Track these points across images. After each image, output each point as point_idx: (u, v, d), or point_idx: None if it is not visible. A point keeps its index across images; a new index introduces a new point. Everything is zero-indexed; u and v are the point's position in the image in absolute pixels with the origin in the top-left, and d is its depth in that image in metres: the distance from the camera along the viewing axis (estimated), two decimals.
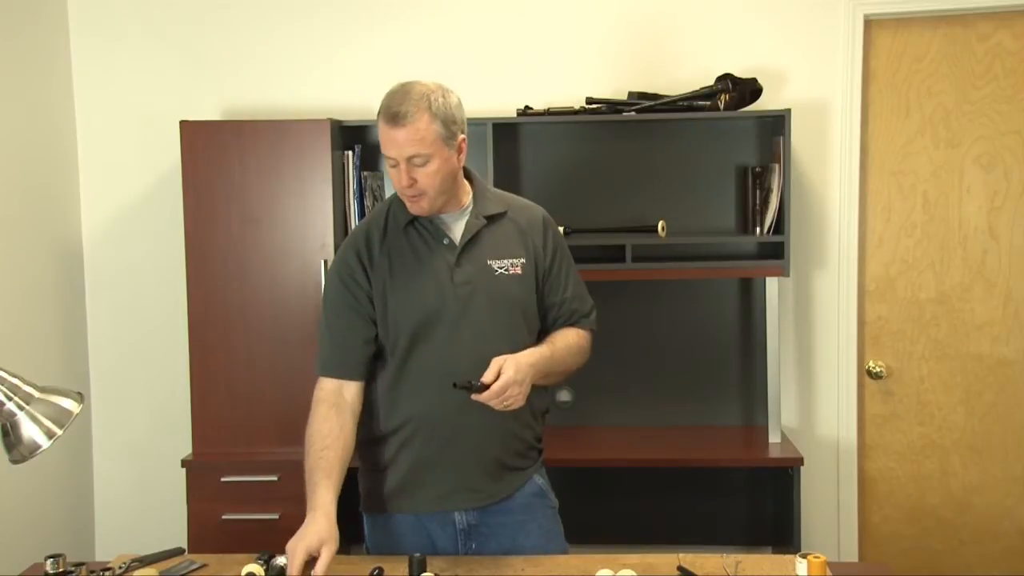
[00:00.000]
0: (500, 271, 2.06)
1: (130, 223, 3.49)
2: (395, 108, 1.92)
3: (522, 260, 2.09)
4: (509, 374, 1.89)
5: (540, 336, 2.14)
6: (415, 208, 2.02)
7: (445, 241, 2.06)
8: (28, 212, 3.22)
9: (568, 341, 2.13)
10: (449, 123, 1.96)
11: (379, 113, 1.96)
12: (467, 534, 2.10)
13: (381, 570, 1.95)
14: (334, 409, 2.05)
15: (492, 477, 2.07)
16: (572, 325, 2.17)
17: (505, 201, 2.15)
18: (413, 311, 2.03)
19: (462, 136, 2.01)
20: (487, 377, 1.89)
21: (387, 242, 2.08)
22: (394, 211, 2.10)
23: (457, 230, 2.08)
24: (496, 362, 1.91)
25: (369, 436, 2.13)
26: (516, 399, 1.92)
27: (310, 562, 1.86)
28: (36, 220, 3.27)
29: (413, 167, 1.94)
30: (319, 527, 1.89)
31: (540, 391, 2.13)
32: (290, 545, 1.88)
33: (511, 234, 2.10)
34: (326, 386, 2.08)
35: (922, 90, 3.28)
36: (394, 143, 1.93)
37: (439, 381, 1.99)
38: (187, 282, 3.07)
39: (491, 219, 2.09)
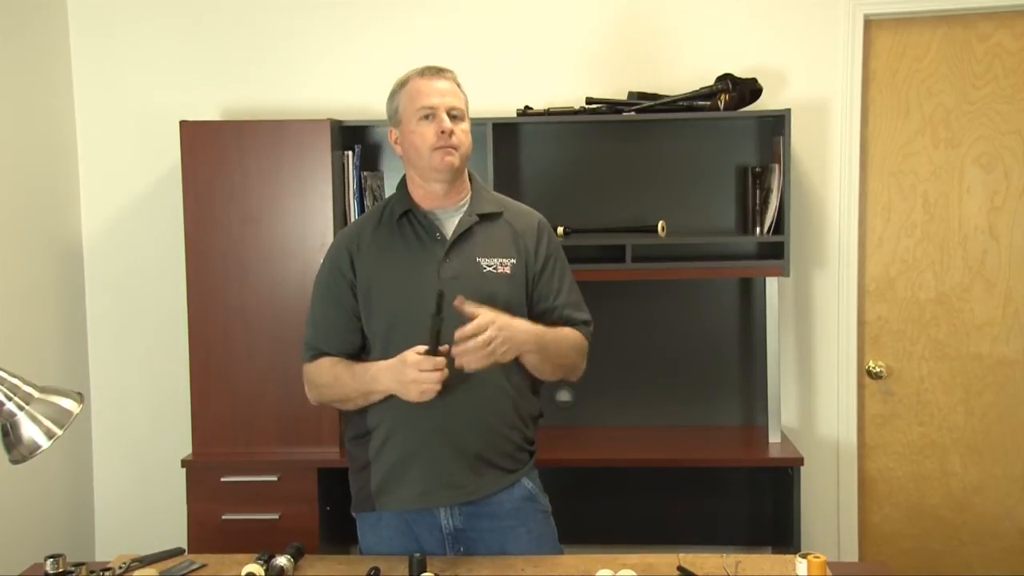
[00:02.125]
0: (488, 269, 2.06)
1: (130, 223, 3.49)
2: (435, 66, 2.08)
3: (512, 261, 2.09)
4: (490, 316, 1.89)
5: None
6: (446, 162, 2.04)
7: (437, 236, 2.07)
8: (28, 212, 3.22)
9: (563, 332, 2.11)
10: (466, 97, 2.11)
11: (406, 79, 2.09)
12: (454, 538, 2.09)
13: (378, 570, 1.95)
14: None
15: (474, 471, 2.06)
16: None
17: (502, 204, 2.17)
18: (397, 301, 2.05)
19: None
20: (467, 330, 1.88)
21: (379, 233, 2.11)
22: (392, 204, 2.14)
23: (450, 226, 2.09)
24: (485, 315, 1.90)
25: (354, 432, 2.15)
26: (491, 354, 1.89)
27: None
28: (36, 220, 3.27)
29: (452, 120, 2.04)
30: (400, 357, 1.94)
31: (531, 396, 2.14)
32: (409, 376, 1.91)
33: (504, 235, 2.11)
34: None
35: (922, 90, 3.28)
36: (436, 91, 2.05)
37: None
38: (187, 282, 3.07)
39: (485, 218, 2.11)
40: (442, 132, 2.01)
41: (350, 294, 2.09)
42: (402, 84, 2.09)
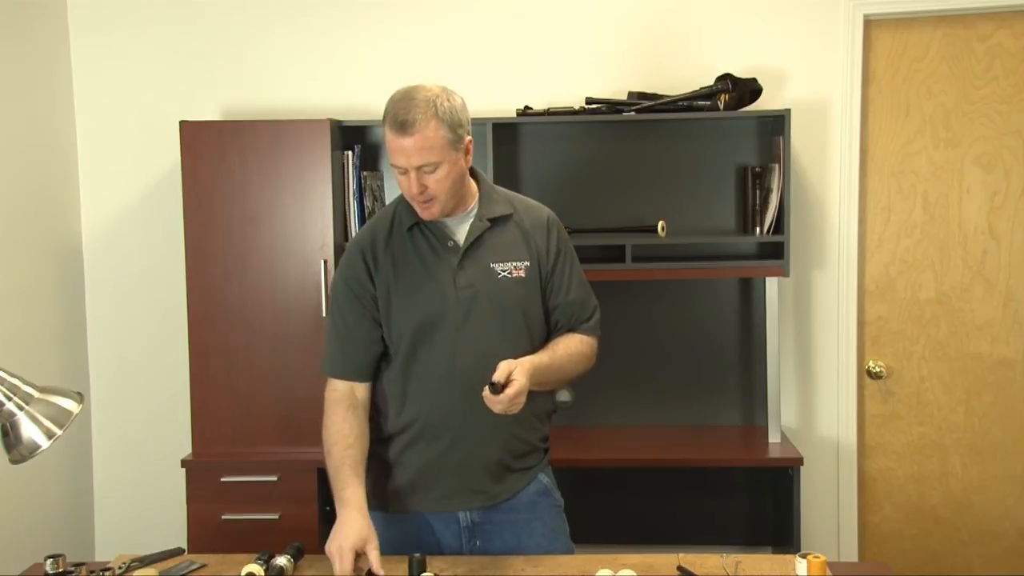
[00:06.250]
0: (503, 274, 2.06)
1: (130, 223, 3.49)
2: (402, 116, 1.91)
3: (526, 263, 2.08)
4: (521, 382, 1.88)
5: (546, 340, 2.14)
6: (427, 214, 2.02)
7: (449, 244, 2.06)
8: (28, 213, 3.22)
9: (570, 348, 2.12)
10: (456, 127, 1.95)
11: (384, 121, 1.96)
12: (471, 532, 2.11)
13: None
14: (351, 410, 2.07)
15: (496, 479, 2.08)
16: (572, 330, 2.16)
17: (511, 202, 2.15)
18: (415, 314, 2.04)
19: (468, 138, 2.01)
20: (497, 377, 1.88)
21: (391, 244, 2.08)
22: (399, 213, 2.10)
23: (461, 233, 2.07)
24: (507, 365, 1.90)
25: (375, 435, 2.14)
26: (519, 406, 1.91)
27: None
28: (36, 221, 3.27)
29: (423, 174, 1.94)
30: (359, 524, 1.91)
31: (544, 393, 2.13)
32: (333, 547, 1.88)
33: (515, 237, 2.10)
34: (338, 387, 2.10)
35: (922, 90, 3.28)
36: (403, 152, 1.93)
37: (442, 384, 2.03)
38: (187, 282, 3.06)
39: (495, 221, 2.09)
40: (413, 193, 1.97)
41: (373, 304, 2.07)
42: (384, 119, 1.97)
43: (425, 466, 2.07)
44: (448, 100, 1.96)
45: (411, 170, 1.94)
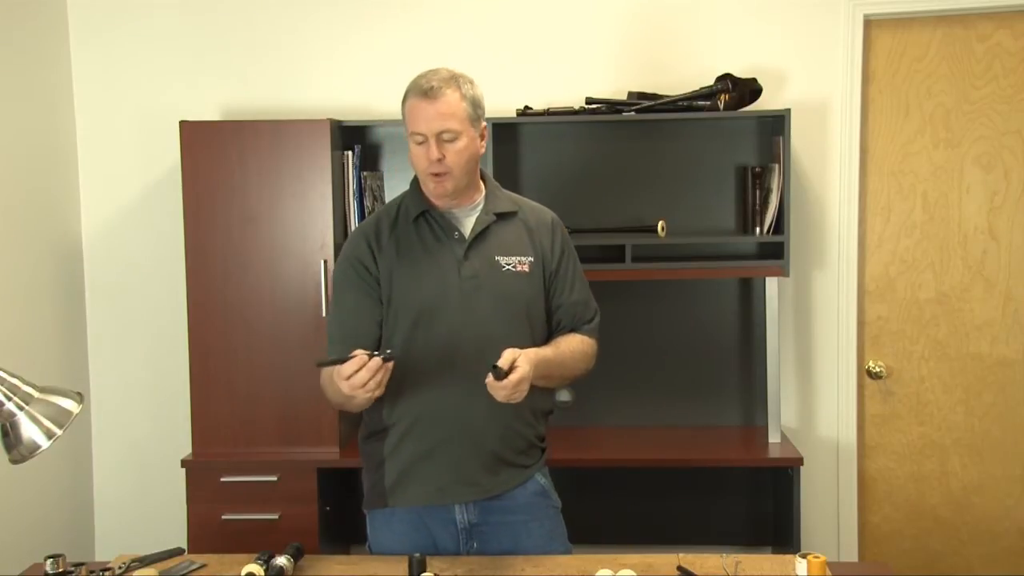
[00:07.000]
0: (507, 267, 2.08)
1: (130, 223, 3.49)
2: (426, 84, 1.98)
3: (530, 259, 2.11)
4: (525, 369, 1.89)
5: (546, 339, 2.15)
6: (439, 189, 2.03)
7: (455, 235, 2.08)
8: (28, 212, 3.22)
9: (572, 346, 2.13)
10: (476, 105, 2.03)
11: (407, 93, 2.01)
12: (468, 533, 2.10)
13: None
14: None
15: (490, 471, 2.08)
16: (574, 330, 2.18)
17: (516, 202, 2.18)
18: (416, 299, 2.05)
19: (484, 123, 2.07)
20: (501, 363, 1.88)
21: (396, 231, 2.10)
22: (406, 204, 2.13)
23: (467, 225, 2.10)
24: (512, 352, 1.90)
25: (370, 430, 2.15)
26: (522, 394, 1.91)
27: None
28: (36, 220, 3.27)
29: (442, 142, 1.98)
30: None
31: (543, 392, 2.13)
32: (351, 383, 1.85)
33: (520, 233, 2.13)
34: None
35: (922, 90, 3.28)
36: (425, 117, 1.97)
37: (440, 373, 2.03)
38: (187, 282, 3.06)
39: (501, 216, 2.12)
40: (430, 160, 1.99)
41: (376, 285, 2.08)
42: (406, 95, 2.02)
43: (420, 457, 2.07)
44: (470, 82, 2.05)
45: (430, 137, 1.97)
